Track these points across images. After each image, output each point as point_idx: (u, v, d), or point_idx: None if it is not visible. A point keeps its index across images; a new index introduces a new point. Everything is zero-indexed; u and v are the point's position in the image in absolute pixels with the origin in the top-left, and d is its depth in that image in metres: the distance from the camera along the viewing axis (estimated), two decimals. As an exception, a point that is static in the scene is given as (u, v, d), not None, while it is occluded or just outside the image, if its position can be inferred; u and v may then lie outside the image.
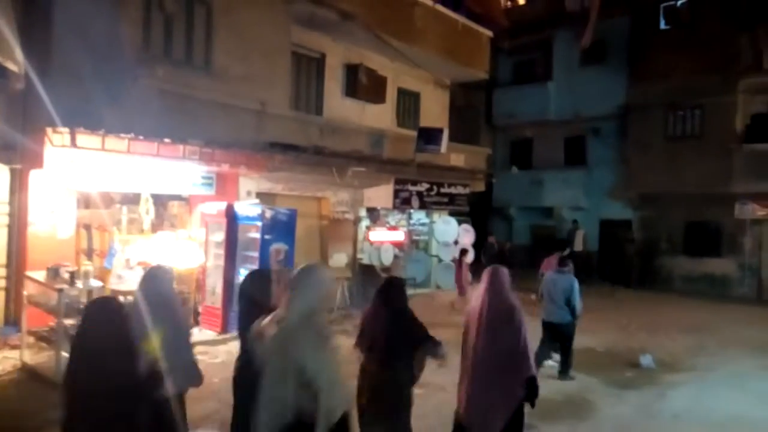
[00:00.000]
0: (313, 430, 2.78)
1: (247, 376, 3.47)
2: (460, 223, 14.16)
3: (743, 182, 14.46)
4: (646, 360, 7.89)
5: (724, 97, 14.90)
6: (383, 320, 3.96)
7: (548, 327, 7.16)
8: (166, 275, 4.14)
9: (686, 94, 15.46)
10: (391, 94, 13.65)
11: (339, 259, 11.73)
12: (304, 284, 2.98)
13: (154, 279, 3.97)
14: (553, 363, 7.32)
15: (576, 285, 7.16)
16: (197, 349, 7.72)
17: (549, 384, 6.37)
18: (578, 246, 16.15)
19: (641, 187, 16.37)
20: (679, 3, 16.13)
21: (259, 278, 4.54)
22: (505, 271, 4.12)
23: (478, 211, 16.92)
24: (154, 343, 3.42)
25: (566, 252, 9.05)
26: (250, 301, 4.17)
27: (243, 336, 4.04)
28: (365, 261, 12.04)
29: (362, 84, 12.39)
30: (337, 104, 12.42)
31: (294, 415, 2.78)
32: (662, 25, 16.48)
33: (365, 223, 12.51)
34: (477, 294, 4.12)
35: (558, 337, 7.15)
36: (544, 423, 5.49)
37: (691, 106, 15.78)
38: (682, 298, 14.16)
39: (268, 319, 3.08)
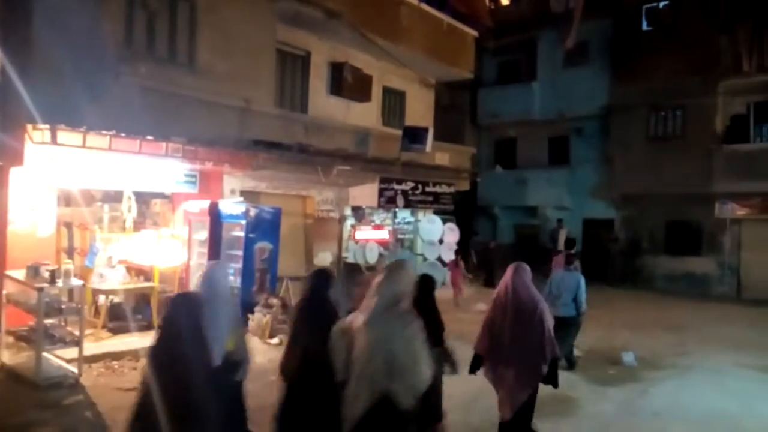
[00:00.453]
0: (399, 399, 3.10)
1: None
2: (444, 222, 14.20)
3: (723, 182, 14.69)
4: (628, 357, 7.99)
5: (705, 98, 15.12)
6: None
7: (555, 321, 7.24)
8: (225, 271, 4.62)
9: (668, 95, 15.67)
10: (376, 92, 13.64)
11: (324, 257, 11.70)
12: (393, 276, 3.34)
13: (214, 275, 4.19)
14: (578, 354, 7.79)
15: (582, 282, 7.49)
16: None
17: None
18: (561, 245, 16.28)
19: (623, 186, 16.55)
20: (660, 5, 16.35)
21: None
22: (527, 267, 4.58)
23: (462, 210, 16.98)
24: (233, 336, 3.74)
25: (574, 251, 9.38)
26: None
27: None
28: (350, 260, 12.02)
29: (347, 82, 12.37)
30: (322, 102, 12.39)
31: (382, 390, 3.09)
32: (644, 27, 16.69)
33: (350, 221, 12.49)
34: (501, 287, 4.56)
35: (563, 331, 7.19)
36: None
37: (673, 107, 16.00)
38: (663, 297, 14.35)
39: (350, 316, 3.42)
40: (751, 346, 9.10)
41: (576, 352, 7.73)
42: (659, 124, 16.44)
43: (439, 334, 4.49)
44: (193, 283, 8.82)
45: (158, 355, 3.04)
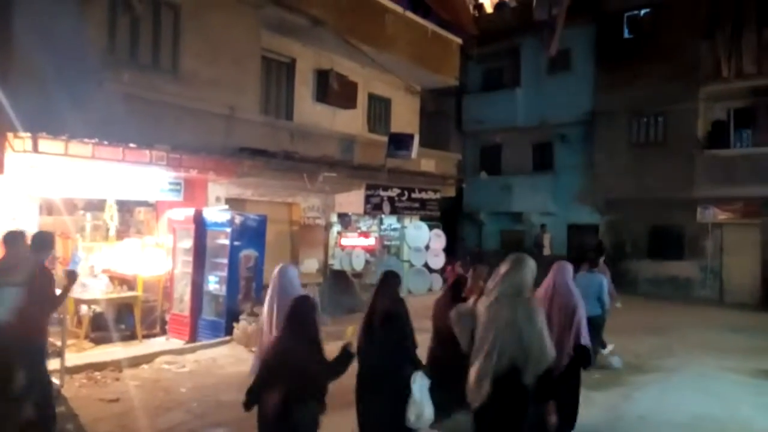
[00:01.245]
0: (523, 375, 3.57)
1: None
2: (431, 228, 14.24)
3: (705, 187, 14.89)
4: (614, 361, 8.05)
5: (686, 104, 15.34)
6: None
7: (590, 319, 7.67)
8: (295, 272, 5.09)
9: (650, 101, 15.87)
10: (361, 99, 13.68)
11: (310, 264, 11.66)
12: (515, 268, 3.80)
13: (288, 273, 4.94)
14: (609, 349, 8.32)
15: (605, 283, 7.95)
16: (164, 359, 7.60)
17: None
18: (546, 250, 16.40)
19: (607, 192, 16.71)
20: (642, 13, 16.58)
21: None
22: (569, 266, 5.18)
23: (448, 217, 17.04)
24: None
25: (603, 256, 9.89)
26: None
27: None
28: (336, 266, 12.00)
29: (333, 89, 12.39)
30: (308, 109, 12.38)
31: (509, 363, 3.55)
32: (626, 35, 16.91)
33: (336, 228, 12.47)
34: (544, 284, 5.09)
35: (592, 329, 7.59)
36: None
37: (655, 113, 16.21)
38: (647, 301, 14.47)
39: (471, 300, 4.21)
40: (733, 350, 9.21)
41: (608, 349, 8.29)
42: (641, 130, 16.64)
43: None
44: (177, 292, 8.75)
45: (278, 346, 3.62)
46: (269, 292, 4.94)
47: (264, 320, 4.97)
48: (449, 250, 14.81)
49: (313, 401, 3.54)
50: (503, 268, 3.82)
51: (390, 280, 4.58)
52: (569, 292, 5.09)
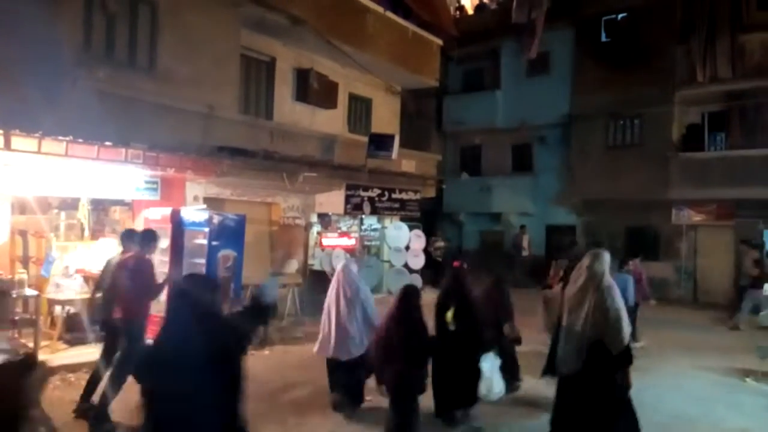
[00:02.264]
0: (609, 346, 4.37)
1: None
2: (411, 228, 14.25)
3: (680, 189, 15.15)
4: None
5: (662, 108, 15.60)
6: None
7: None
8: (356, 267, 6.46)
9: (626, 104, 16.11)
10: (342, 99, 13.65)
11: (290, 265, 11.58)
12: (595, 261, 4.64)
13: (350, 271, 6.19)
14: (642, 344, 9.01)
15: (630, 282, 8.84)
16: (140, 360, 7.47)
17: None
18: (525, 251, 16.54)
19: (584, 193, 16.91)
20: (619, 17, 16.82)
21: None
22: (606, 254, 5.17)
23: (429, 217, 17.08)
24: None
25: (639, 257, 10.66)
26: None
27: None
28: (316, 267, 11.94)
29: (313, 89, 12.33)
30: (288, 109, 12.31)
31: (595, 336, 4.39)
32: (604, 38, 17.14)
33: (316, 228, 12.42)
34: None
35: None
36: (492, 425, 5.57)
37: (631, 116, 16.45)
38: (623, 301, 14.64)
39: (557, 288, 5.40)
40: (707, 349, 9.39)
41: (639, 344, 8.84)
42: (618, 133, 16.88)
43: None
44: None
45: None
46: (334, 284, 6.17)
47: (330, 308, 6.10)
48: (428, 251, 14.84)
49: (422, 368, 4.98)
50: (585, 262, 4.67)
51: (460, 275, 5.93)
52: (607, 280, 5.65)
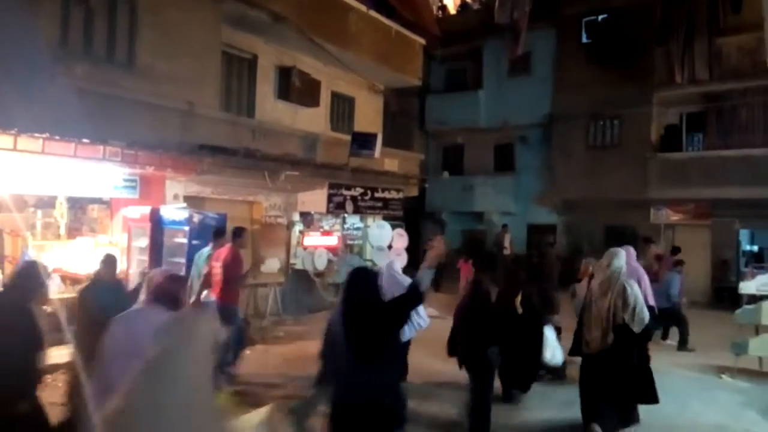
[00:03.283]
0: (632, 327, 5.27)
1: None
2: (394, 227, 14.25)
3: (658, 189, 15.37)
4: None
5: (641, 108, 15.81)
6: None
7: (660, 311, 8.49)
8: (399, 265, 6.79)
9: (606, 105, 16.29)
10: (325, 97, 13.59)
11: (271, 264, 11.51)
12: (615, 257, 5.51)
13: (393, 269, 6.35)
14: (670, 342, 9.69)
15: (677, 280, 9.53)
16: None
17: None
18: (507, 250, 16.62)
19: (564, 193, 17.07)
20: (599, 18, 17.00)
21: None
22: (632, 250, 6.29)
23: (411, 216, 17.09)
24: None
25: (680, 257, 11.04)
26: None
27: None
28: (299, 266, 11.89)
29: (295, 87, 12.27)
30: (270, 107, 12.23)
31: (622, 320, 5.26)
32: (584, 39, 17.31)
33: (299, 227, 12.36)
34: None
35: (669, 318, 9.34)
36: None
37: (611, 116, 16.65)
38: (603, 299, 14.80)
39: (585, 280, 6.58)
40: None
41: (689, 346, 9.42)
42: (598, 133, 17.07)
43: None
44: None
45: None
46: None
47: None
48: (412, 250, 14.85)
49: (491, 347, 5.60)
50: (606, 259, 5.56)
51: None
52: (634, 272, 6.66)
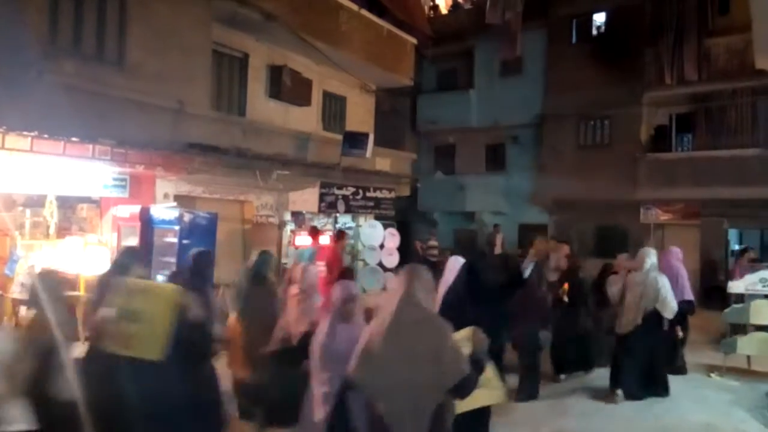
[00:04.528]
0: (662, 312, 6.53)
1: None
2: (385, 227, 14.25)
3: (647, 189, 15.46)
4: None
5: (631, 109, 15.89)
6: None
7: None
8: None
9: (596, 105, 16.36)
10: (316, 97, 13.56)
11: (262, 264, 11.46)
12: (647, 254, 6.78)
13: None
14: None
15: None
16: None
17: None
18: (498, 249, 16.67)
19: (555, 193, 17.13)
20: (590, 19, 17.10)
21: None
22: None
23: (403, 216, 17.10)
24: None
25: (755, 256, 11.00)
26: None
27: None
28: (290, 266, 11.85)
29: (287, 86, 12.23)
30: (261, 106, 12.19)
31: (652, 306, 6.51)
32: (575, 40, 17.39)
33: (290, 227, 12.32)
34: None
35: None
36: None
37: (601, 117, 16.73)
38: (593, 299, 14.89)
39: (619, 274, 7.23)
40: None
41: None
42: (588, 133, 17.16)
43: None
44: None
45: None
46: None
47: None
48: (403, 250, 14.86)
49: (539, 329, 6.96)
50: (640, 257, 6.76)
51: None
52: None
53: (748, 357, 8.03)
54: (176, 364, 3.22)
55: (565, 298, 7.50)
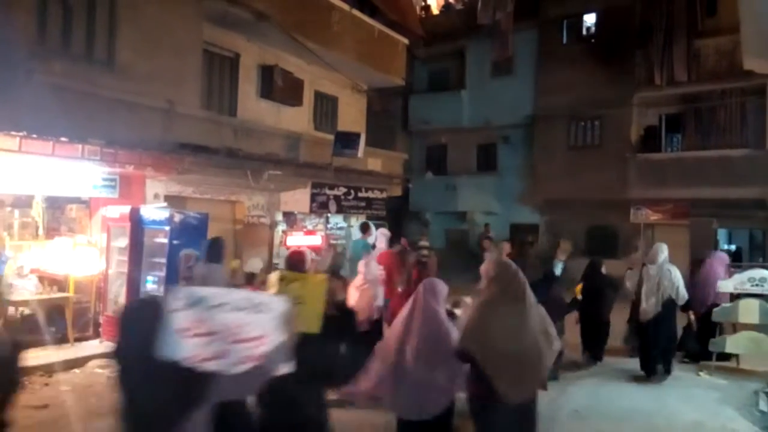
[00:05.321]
0: (675, 305, 7.49)
1: None
2: (377, 227, 14.24)
3: (637, 189, 15.56)
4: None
5: (621, 109, 15.99)
6: None
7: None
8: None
9: (587, 105, 16.45)
10: (308, 97, 13.54)
11: (254, 264, 11.42)
12: (661, 250, 7.61)
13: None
14: None
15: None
16: (97, 363, 7.29)
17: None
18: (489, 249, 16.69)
19: (546, 193, 17.21)
20: (581, 20, 17.19)
21: None
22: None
23: (395, 216, 17.11)
24: None
25: None
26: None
27: None
28: (282, 266, 11.83)
29: (278, 86, 12.20)
30: (252, 105, 12.15)
31: (668, 296, 7.36)
32: (565, 41, 17.47)
33: (282, 227, 12.30)
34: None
35: None
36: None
37: (591, 117, 16.83)
38: (584, 298, 14.95)
39: (635, 269, 8.23)
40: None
41: None
42: (579, 134, 17.25)
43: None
44: (111, 293, 8.41)
45: None
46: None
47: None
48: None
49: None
50: (654, 251, 7.69)
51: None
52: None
53: (737, 356, 8.10)
54: (325, 336, 3.87)
55: (579, 296, 8.38)
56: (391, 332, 4.24)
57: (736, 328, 8.21)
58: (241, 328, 3.07)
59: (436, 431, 3.96)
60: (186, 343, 2.91)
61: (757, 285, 7.96)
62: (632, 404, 6.58)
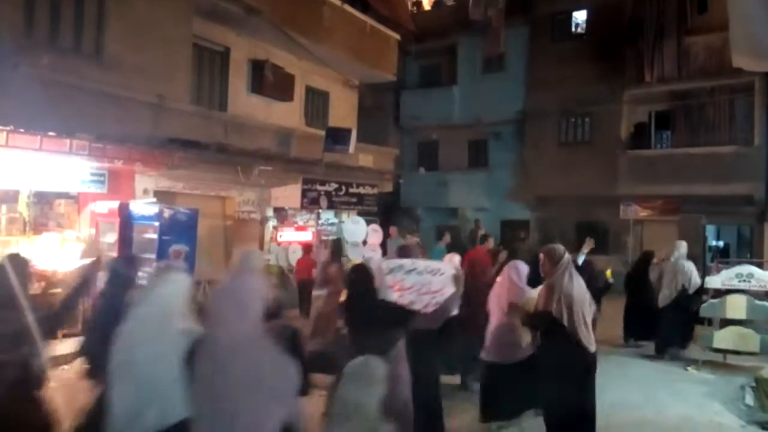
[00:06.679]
0: (688, 289, 8.39)
1: None
2: (368, 223, 14.25)
3: (627, 185, 15.64)
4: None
5: (611, 106, 16.05)
6: None
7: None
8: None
9: (577, 102, 16.49)
10: (299, 92, 13.50)
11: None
12: (678, 246, 8.74)
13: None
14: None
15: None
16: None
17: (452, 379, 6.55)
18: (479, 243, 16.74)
19: (537, 189, 17.26)
20: (571, 16, 17.22)
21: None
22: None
23: (386, 212, 17.11)
24: None
25: None
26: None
27: None
28: (273, 262, 11.80)
29: (269, 81, 12.15)
30: (243, 101, 12.09)
31: (682, 285, 8.41)
32: (556, 37, 17.49)
33: (273, 223, 12.26)
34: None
35: None
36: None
37: (582, 113, 16.88)
38: (574, 294, 15.04)
39: (655, 260, 9.53)
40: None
41: None
42: (569, 130, 17.30)
43: None
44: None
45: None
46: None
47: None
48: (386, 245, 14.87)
49: None
50: (671, 248, 8.77)
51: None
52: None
53: (724, 351, 8.18)
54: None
55: (611, 280, 9.22)
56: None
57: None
58: (427, 285, 4.73)
59: (518, 372, 5.18)
60: (393, 293, 4.58)
61: (744, 281, 8.05)
62: (622, 396, 6.62)
